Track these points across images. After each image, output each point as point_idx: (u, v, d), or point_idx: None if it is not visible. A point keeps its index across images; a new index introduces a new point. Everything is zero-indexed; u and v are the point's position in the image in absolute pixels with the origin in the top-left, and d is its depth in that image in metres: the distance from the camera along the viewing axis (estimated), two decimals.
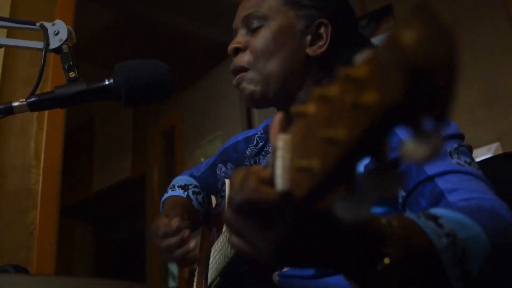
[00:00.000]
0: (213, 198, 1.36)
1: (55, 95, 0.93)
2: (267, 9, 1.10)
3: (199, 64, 4.08)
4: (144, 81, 0.96)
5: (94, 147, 5.43)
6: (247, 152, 1.30)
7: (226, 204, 0.57)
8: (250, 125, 3.41)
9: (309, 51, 1.09)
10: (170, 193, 1.42)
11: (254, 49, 1.10)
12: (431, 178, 0.83)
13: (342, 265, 0.56)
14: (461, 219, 0.66)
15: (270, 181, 0.50)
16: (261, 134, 1.29)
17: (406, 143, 0.33)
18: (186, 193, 1.38)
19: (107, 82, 0.95)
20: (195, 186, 1.42)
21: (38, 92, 0.97)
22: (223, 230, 1.01)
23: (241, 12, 1.15)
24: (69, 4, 2.22)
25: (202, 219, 1.39)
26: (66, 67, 0.98)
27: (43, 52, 1.01)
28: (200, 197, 1.40)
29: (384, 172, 0.37)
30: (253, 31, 1.11)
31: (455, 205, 0.76)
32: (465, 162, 0.85)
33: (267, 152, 1.24)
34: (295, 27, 1.09)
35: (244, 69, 1.11)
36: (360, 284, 0.56)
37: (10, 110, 0.93)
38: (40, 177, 1.95)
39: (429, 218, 0.63)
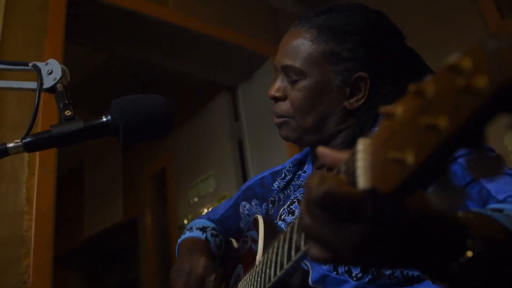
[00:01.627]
0: (234, 241, 1.35)
1: (52, 134, 0.90)
2: (304, 64, 1.11)
3: (188, 104, 4.07)
4: (142, 116, 0.94)
5: (83, 193, 5.36)
6: (274, 186, 1.30)
7: (302, 209, 0.56)
8: (243, 163, 3.39)
9: (347, 104, 1.11)
10: (187, 234, 1.42)
11: (293, 103, 1.14)
12: (476, 179, 0.84)
13: (423, 262, 0.55)
14: None
15: (349, 183, 0.50)
16: (289, 167, 1.30)
17: None
18: (205, 234, 1.39)
19: (104, 119, 0.93)
20: (214, 229, 1.42)
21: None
22: (256, 263, 0.99)
23: (281, 58, 1.16)
24: (57, 45, 2.22)
25: (219, 262, 1.38)
26: (62, 105, 0.95)
27: (37, 92, 0.99)
28: (218, 240, 1.40)
29: (485, 158, 0.39)
30: (291, 83, 1.14)
31: (506, 201, 0.78)
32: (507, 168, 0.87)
33: (295, 186, 1.24)
34: (331, 82, 1.11)
35: (284, 117, 1.16)
36: (442, 281, 0.55)
37: (5, 152, 0.89)
38: (33, 224, 1.89)
39: (495, 211, 0.65)
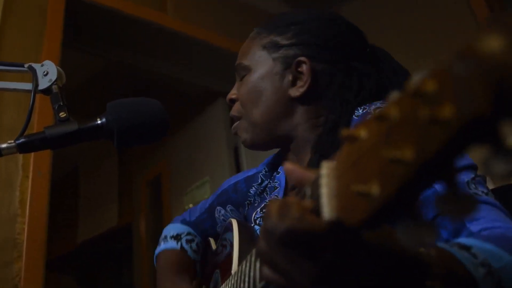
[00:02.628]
0: (212, 241, 1.33)
1: (46, 136, 0.89)
2: (249, 59, 1.15)
3: (184, 110, 4.07)
4: (137, 120, 0.93)
5: (78, 198, 5.33)
6: (251, 191, 1.27)
7: (260, 235, 0.54)
8: (238, 169, 3.38)
9: (291, 92, 1.09)
10: (163, 246, 1.38)
11: (241, 99, 1.15)
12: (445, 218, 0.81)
13: None
14: (491, 249, 0.64)
15: (313, 211, 0.47)
16: (265, 172, 1.27)
17: (489, 160, 0.32)
18: (179, 243, 1.35)
19: (99, 122, 0.92)
20: (188, 234, 1.38)
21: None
22: (233, 272, 0.97)
23: (235, 63, 1.20)
24: (54, 49, 2.22)
25: (199, 266, 1.35)
26: (56, 107, 0.95)
27: (32, 93, 0.99)
28: (194, 245, 1.37)
29: (456, 195, 0.35)
30: (241, 81, 1.17)
31: (479, 234, 0.75)
32: (482, 192, 0.83)
33: (271, 189, 1.22)
34: (273, 70, 1.11)
35: (237, 118, 1.16)
36: None
37: None
38: (26, 227, 1.88)
39: (462, 248, 0.62)
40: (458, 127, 0.31)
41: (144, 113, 0.94)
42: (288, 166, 0.57)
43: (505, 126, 0.30)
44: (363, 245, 0.48)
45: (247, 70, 1.14)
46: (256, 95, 1.11)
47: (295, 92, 1.09)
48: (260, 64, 1.13)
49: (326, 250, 0.48)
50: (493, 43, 0.29)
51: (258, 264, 0.74)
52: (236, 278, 0.92)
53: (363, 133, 0.40)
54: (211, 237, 1.35)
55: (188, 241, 1.36)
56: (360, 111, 1.03)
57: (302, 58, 1.09)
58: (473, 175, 0.86)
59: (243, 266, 0.85)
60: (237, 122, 1.16)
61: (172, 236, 1.38)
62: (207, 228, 1.39)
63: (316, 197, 0.47)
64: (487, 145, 0.32)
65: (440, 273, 0.53)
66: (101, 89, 4.20)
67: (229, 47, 3.08)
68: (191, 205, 3.67)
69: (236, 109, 1.16)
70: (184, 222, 1.43)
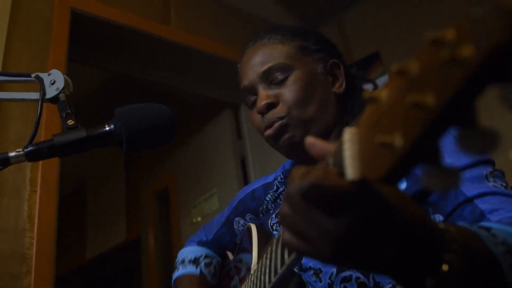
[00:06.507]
0: (229, 254, 1.32)
1: (54, 143, 0.88)
2: (286, 59, 1.12)
3: (190, 122, 4.07)
4: (145, 125, 0.92)
5: (86, 213, 5.33)
6: (267, 198, 1.26)
7: (283, 200, 0.54)
8: (246, 180, 3.37)
9: (335, 89, 1.15)
10: (181, 270, 1.37)
11: (289, 100, 1.10)
12: (470, 200, 0.82)
13: (401, 270, 0.53)
14: (511, 231, 0.66)
15: (337, 174, 0.48)
16: (281, 179, 1.26)
17: (505, 91, 0.33)
18: (198, 268, 1.35)
19: (107, 128, 0.92)
20: (206, 256, 1.38)
21: None
22: (251, 272, 0.97)
23: (256, 68, 1.14)
24: (60, 61, 2.22)
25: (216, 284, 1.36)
26: (64, 115, 0.95)
27: (40, 102, 0.98)
28: (212, 268, 1.36)
29: (477, 135, 0.36)
30: (279, 83, 1.11)
31: (499, 222, 0.76)
32: (501, 185, 0.85)
33: (284, 195, 1.20)
34: (317, 70, 1.14)
35: (282, 117, 1.10)
36: None
37: (6, 161, 0.88)
38: (34, 241, 1.86)
39: (481, 228, 0.63)
40: (478, 62, 0.32)
41: (152, 116, 0.94)
42: (309, 139, 0.56)
43: None
44: (384, 208, 0.49)
45: (290, 69, 1.11)
46: (309, 92, 1.10)
47: (338, 90, 1.15)
48: (302, 64, 1.13)
49: (348, 210, 0.48)
50: None
51: (279, 251, 0.74)
52: (256, 274, 0.92)
53: (384, 92, 0.42)
54: (229, 251, 1.35)
55: (206, 265, 1.36)
56: None
57: (336, 60, 1.16)
58: (491, 169, 0.88)
59: (263, 260, 0.85)
60: (280, 122, 1.09)
61: (190, 260, 1.37)
62: (226, 243, 1.38)
63: (339, 161, 0.48)
64: (503, 84, 0.33)
65: (459, 248, 0.53)
66: (106, 101, 4.21)
67: (234, 57, 3.08)
68: (199, 218, 3.65)
69: (280, 111, 1.10)
70: (200, 243, 1.42)
